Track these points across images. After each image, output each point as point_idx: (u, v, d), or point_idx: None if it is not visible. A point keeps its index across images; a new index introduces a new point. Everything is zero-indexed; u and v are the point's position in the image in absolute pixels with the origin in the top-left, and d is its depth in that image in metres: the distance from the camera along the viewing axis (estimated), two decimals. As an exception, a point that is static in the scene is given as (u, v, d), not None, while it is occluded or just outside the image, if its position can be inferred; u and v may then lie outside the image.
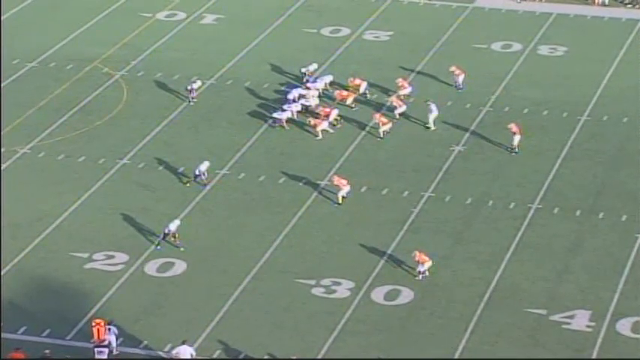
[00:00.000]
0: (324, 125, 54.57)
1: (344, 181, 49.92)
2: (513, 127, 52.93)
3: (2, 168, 52.21)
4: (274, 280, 45.60)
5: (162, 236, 47.36)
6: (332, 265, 46.26)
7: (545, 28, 64.57)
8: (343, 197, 49.81)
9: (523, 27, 64.71)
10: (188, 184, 50.88)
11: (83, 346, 42.04)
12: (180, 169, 51.86)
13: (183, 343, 41.10)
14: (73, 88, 59.10)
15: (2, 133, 54.74)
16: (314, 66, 58.80)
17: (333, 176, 50.57)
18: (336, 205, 49.71)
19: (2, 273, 45.67)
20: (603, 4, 67.34)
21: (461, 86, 58.10)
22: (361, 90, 57.26)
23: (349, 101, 56.44)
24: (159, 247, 47.09)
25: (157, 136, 55.20)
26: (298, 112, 55.61)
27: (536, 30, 64.32)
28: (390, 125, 54.53)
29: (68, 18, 66.09)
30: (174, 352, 41.00)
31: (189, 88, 57.61)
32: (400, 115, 55.55)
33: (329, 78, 57.98)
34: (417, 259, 45.14)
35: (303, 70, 58.32)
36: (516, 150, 52.69)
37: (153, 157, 53.41)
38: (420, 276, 45.15)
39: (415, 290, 44.78)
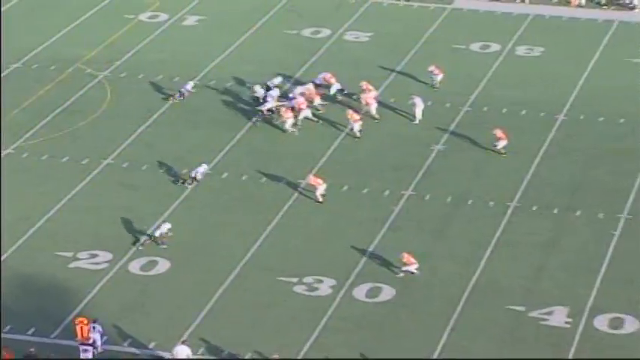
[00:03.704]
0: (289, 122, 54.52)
1: (319, 180, 49.82)
2: (498, 132, 52.87)
3: (-13, 168, 52.11)
4: (257, 278, 45.54)
5: (148, 237, 47.18)
6: (314, 263, 46.24)
7: (522, 29, 64.70)
8: (323, 195, 49.72)
9: (501, 28, 64.82)
10: (187, 185, 50.58)
11: (68, 344, 41.92)
12: (183, 171, 51.62)
13: (183, 342, 41.01)
14: (57, 89, 58.92)
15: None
16: (279, 79, 58.22)
17: (309, 176, 50.45)
18: (317, 203, 49.67)
19: (-13, 272, 45.59)
20: (580, 6, 67.50)
21: (437, 86, 58.07)
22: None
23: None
24: (141, 247, 46.95)
25: (140, 137, 55.08)
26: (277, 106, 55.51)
27: (514, 31, 64.44)
28: (360, 122, 54.33)
29: (51, 19, 65.89)
30: (172, 351, 40.92)
31: (182, 90, 57.34)
32: (366, 113, 55.30)
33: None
34: (404, 260, 45.07)
35: (269, 83, 57.46)
36: (503, 152, 52.60)
37: (136, 157, 53.28)
38: (402, 273, 45.10)
39: (396, 288, 44.79)
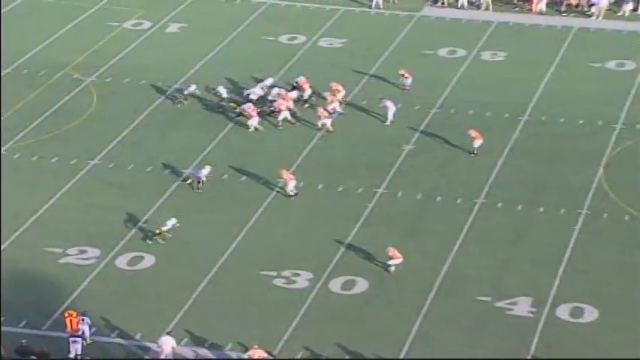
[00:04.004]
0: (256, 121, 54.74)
1: (291, 175, 49.82)
2: (473, 132, 52.86)
3: (-21, 169, 51.80)
4: (238, 272, 45.47)
5: (156, 232, 47.03)
6: (292, 257, 46.18)
7: (487, 36, 64.78)
8: (293, 190, 49.59)
9: (467, 34, 64.88)
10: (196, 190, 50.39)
11: (58, 336, 41.75)
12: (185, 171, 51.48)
13: (168, 334, 40.92)
14: (46, 93, 58.63)
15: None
16: (270, 80, 58.32)
17: (282, 171, 50.34)
18: (291, 198, 49.53)
19: (-19, 268, 45.34)
20: (540, 13, 67.67)
21: (407, 88, 58.13)
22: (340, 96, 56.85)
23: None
24: (150, 242, 46.88)
25: (125, 138, 54.87)
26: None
27: (479, 37, 64.52)
28: (330, 120, 54.48)
29: (40, 27, 65.57)
30: (158, 342, 40.77)
31: (186, 93, 57.04)
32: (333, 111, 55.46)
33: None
34: (390, 254, 44.92)
35: (247, 92, 57.23)
36: (475, 152, 52.56)
37: (122, 158, 53.09)
38: (393, 267, 44.93)
39: (370, 280, 44.79)
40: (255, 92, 56.94)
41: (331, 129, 54.48)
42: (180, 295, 44.08)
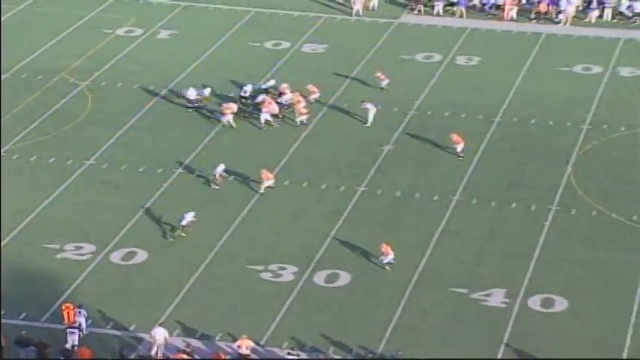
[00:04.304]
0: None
1: (270, 175, 49.83)
2: (454, 136, 52.80)
3: (-20, 169, 51.55)
4: (227, 266, 45.38)
5: (179, 226, 46.88)
6: (278, 252, 46.12)
7: (461, 41, 64.80)
8: (268, 187, 49.62)
9: (442, 40, 64.87)
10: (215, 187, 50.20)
11: (56, 328, 41.59)
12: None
13: (161, 325, 40.83)
14: (43, 97, 58.38)
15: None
16: (272, 82, 58.39)
17: (262, 170, 50.24)
18: (260, 194, 49.47)
19: (-18, 263, 45.12)
20: (511, 20, 67.75)
21: (384, 88, 58.26)
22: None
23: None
24: (172, 239, 46.70)
25: (119, 139, 54.68)
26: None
27: (454, 42, 64.53)
28: (307, 116, 54.90)
29: (37, 34, 65.28)
30: (151, 333, 40.66)
31: (197, 97, 56.80)
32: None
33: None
34: (382, 249, 44.83)
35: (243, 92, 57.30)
36: (461, 156, 52.34)
37: (116, 158, 52.92)
38: (387, 267, 44.76)
39: (352, 273, 44.76)
40: (247, 90, 56.94)
41: (305, 121, 54.85)
42: (172, 288, 43.98)
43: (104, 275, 44.89)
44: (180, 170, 51.90)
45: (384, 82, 58.47)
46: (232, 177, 51.32)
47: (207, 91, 57.44)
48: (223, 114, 55.26)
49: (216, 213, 48.53)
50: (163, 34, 66.02)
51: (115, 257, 45.95)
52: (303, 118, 55.31)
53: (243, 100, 56.79)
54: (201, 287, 44.15)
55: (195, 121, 56.12)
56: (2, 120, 55.83)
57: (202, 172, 51.57)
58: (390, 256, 44.83)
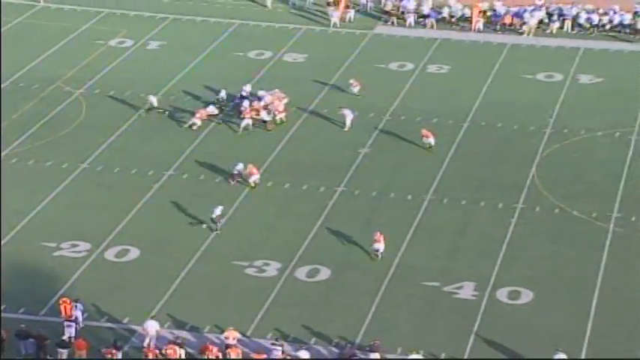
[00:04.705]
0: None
1: (255, 170, 49.85)
2: (424, 131, 53.34)
3: (-19, 172, 51.09)
4: (214, 262, 45.13)
5: (211, 220, 46.81)
6: (262, 249, 45.92)
7: (432, 51, 64.77)
8: (255, 183, 49.63)
9: (414, 50, 64.82)
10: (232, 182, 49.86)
11: (54, 321, 41.24)
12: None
13: (152, 318, 40.58)
14: (40, 104, 57.94)
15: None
16: (248, 87, 58.18)
17: (249, 164, 50.17)
18: (250, 188, 49.54)
19: (-17, 261, 44.70)
20: (478, 31, 67.78)
21: (356, 94, 58.33)
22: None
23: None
24: (218, 232, 46.58)
25: (112, 144, 54.32)
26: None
27: (425, 52, 64.48)
28: (284, 114, 55.26)
29: (34, 45, 64.77)
30: (143, 325, 40.40)
31: (218, 97, 56.91)
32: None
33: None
34: (375, 237, 44.76)
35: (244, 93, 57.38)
36: (430, 147, 53.04)
37: (109, 161, 52.57)
38: (379, 255, 44.84)
39: (332, 269, 44.60)
40: (246, 90, 57.04)
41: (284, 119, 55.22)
42: (163, 283, 43.70)
43: (99, 271, 44.56)
44: (170, 172, 51.60)
45: (356, 89, 58.56)
46: (218, 179, 51.09)
47: (223, 94, 57.19)
48: (195, 116, 55.06)
49: (203, 212, 48.20)
50: (153, 45, 65.69)
51: (110, 254, 45.63)
52: (282, 116, 55.17)
53: (221, 105, 56.56)
54: (190, 282, 43.90)
55: (183, 126, 55.74)
56: (2, 126, 55.38)
57: (190, 173, 51.29)
58: (380, 245, 44.71)
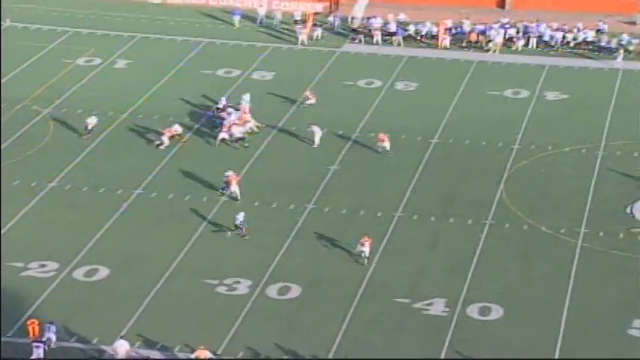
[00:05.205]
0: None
1: (235, 177, 50.05)
2: (380, 135, 54.27)
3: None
4: (184, 281, 44.62)
5: (234, 227, 47.08)
6: (233, 267, 45.48)
7: (399, 68, 64.81)
8: (236, 193, 49.72)
9: (382, 67, 64.83)
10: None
11: (22, 342, 40.50)
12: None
13: (122, 337, 39.99)
14: (8, 123, 57.21)
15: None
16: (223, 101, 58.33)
17: (230, 172, 50.27)
18: (235, 200, 49.68)
19: (-50, 282, 43.90)
20: (445, 48, 67.89)
21: (306, 106, 58.40)
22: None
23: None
24: (229, 234, 47.13)
25: (79, 163, 53.73)
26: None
27: (393, 69, 64.52)
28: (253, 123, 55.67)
29: (2, 64, 64.02)
30: (113, 345, 39.81)
31: (220, 106, 57.22)
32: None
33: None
34: (362, 241, 45.31)
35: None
36: (389, 152, 53.80)
37: (77, 180, 51.97)
38: (364, 258, 45.32)
39: (302, 286, 44.24)
40: (222, 103, 57.39)
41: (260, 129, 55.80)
42: (133, 303, 43.12)
43: (68, 291, 43.88)
44: (138, 191, 51.09)
45: (310, 101, 58.59)
46: (188, 197, 50.62)
47: (222, 103, 57.35)
48: (163, 134, 54.64)
49: (173, 231, 47.76)
50: (121, 64, 65.25)
51: (78, 274, 44.98)
52: (252, 125, 55.38)
53: (219, 112, 56.95)
54: (160, 301, 43.34)
55: (151, 145, 55.34)
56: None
57: (159, 192, 50.80)
58: (365, 249, 45.04)
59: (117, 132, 56.68)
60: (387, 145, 53.62)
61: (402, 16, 70.39)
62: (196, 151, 54.87)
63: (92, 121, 56.12)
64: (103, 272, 45.12)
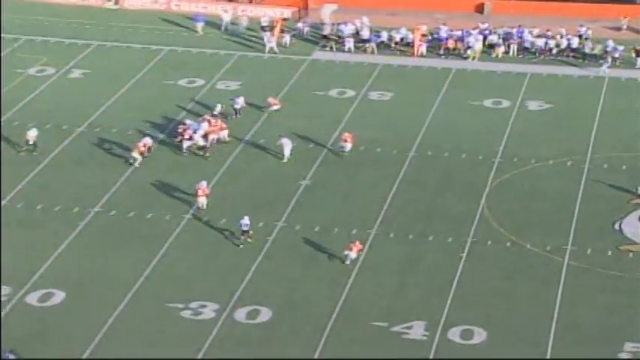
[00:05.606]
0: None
1: (206, 191, 50.23)
2: (345, 135, 55.12)
3: None
4: (147, 305, 44.37)
5: (241, 233, 47.68)
6: (198, 289, 45.29)
7: (374, 77, 65.01)
8: (202, 205, 50.11)
9: (355, 76, 65.02)
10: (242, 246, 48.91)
11: (-28, 373, 40.24)
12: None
13: None
14: (-45, 138, 57.01)
15: None
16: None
17: (203, 182, 50.61)
18: (201, 210, 50.17)
19: None
20: (421, 55, 68.19)
21: (271, 112, 59.12)
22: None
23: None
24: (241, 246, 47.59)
25: (33, 179, 53.43)
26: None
27: (366, 78, 64.71)
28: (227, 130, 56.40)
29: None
30: None
31: (215, 113, 57.87)
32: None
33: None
34: (350, 245, 46.18)
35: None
36: (346, 153, 54.71)
37: (31, 198, 51.63)
38: (347, 261, 46.35)
39: (273, 309, 44.14)
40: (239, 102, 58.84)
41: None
42: (91, 328, 42.79)
43: (20, 317, 43.48)
44: (96, 209, 50.85)
45: (274, 107, 58.92)
46: (149, 215, 50.45)
47: (218, 109, 58.34)
48: (134, 150, 54.55)
49: (134, 251, 47.55)
50: (76, 73, 65.05)
51: (32, 299, 44.62)
52: (225, 134, 56.05)
53: (235, 116, 58.38)
54: (120, 327, 43.05)
55: (109, 160, 55.14)
56: None
57: (119, 210, 50.58)
58: (352, 254, 45.73)
59: (72, 146, 56.43)
60: (348, 146, 54.26)
61: (365, 20, 70.60)
62: (158, 165, 54.70)
63: (32, 134, 55.74)
64: (59, 296, 44.77)
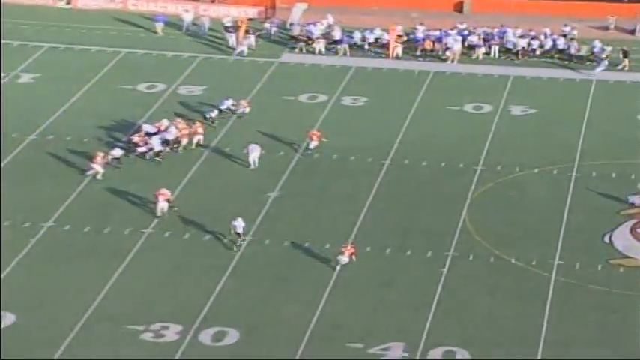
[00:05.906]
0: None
1: (168, 193, 50.54)
2: (311, 132, 55.92)
3: None
4: (103, 327, 43.80)
5: (238, 236, 48.04)
6: (160, 310, 44.80)
7: (346, 80, 64.94)
8: (162, 211, 50.34)
9: (326, 79, 64.96)
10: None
11: None
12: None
13: None
14: None
15: None
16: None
17: (162, 189, 50.66)
18: (164, 215, 50.32)
19: None
20: (397, 57, 68.09)
21: (240, 115, 59.39)
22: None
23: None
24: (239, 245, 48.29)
25: (-20, 192, 52.95)
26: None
27: (339, 82, 64.65)
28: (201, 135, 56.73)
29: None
30: None
31: (209, 116, 58.48)
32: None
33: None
34: (343, 249, 46.49)
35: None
36: (309, 152, 55.24)
37: (-23, 212, 51.18)
38: (338, 266, 46.69)
39: (241, 331, 43.71)
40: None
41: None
42: (43, 353, 42.19)
43: (-33, 342, 42.92)
44: (49, 224, 50.28)
45: (246, 110, 59.29)
46: (107, 229, 49.92)
47: (214, 113, 58.97)
48: (93, 162, 53.99)
49: (90, 269, 47.04)
50: (25, 78, 64.68)
51: (-21, 322, 44.10)
52: (201, 139, 56.49)
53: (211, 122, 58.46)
54: (74, 352, 42.43)
55: (63, 171, 54.67)
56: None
57: (73, 224, 50.03)
58: (344, 258, 46.04)
59: (23, 156, 55.92)
60: (313, 144, 54.82)
61: (331, 18, 70.57)
62: (117, 176, 54.23)
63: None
64: (9, 319, 44.12)
